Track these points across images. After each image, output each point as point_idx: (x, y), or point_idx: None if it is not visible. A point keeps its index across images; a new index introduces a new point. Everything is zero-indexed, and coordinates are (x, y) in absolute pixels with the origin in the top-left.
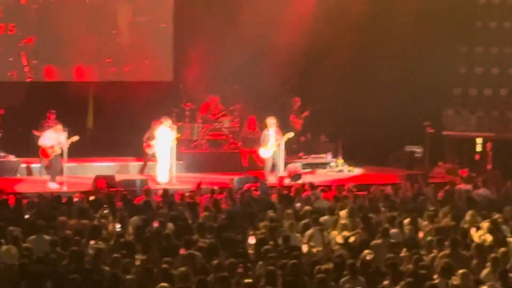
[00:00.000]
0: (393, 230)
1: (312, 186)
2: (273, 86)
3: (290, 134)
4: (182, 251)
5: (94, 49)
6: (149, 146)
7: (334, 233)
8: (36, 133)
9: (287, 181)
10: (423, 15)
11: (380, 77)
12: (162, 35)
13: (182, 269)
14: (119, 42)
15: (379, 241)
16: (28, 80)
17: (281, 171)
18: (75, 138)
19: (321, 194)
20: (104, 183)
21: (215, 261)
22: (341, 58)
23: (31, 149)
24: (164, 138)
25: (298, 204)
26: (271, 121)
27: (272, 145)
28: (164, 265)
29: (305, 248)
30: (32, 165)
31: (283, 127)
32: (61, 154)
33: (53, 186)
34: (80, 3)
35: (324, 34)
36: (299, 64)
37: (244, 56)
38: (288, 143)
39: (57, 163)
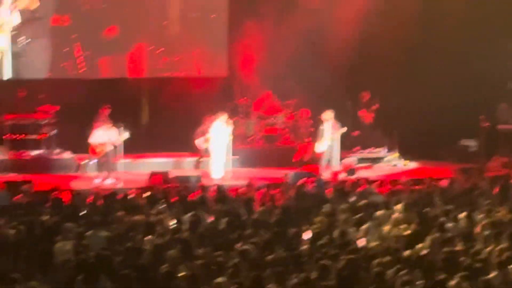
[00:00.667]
0: (448, 224)
1: (368, 181)
2: (328, 80)
3: (343, 130)
4: (237, 246)
5: (146, 40)
6: (202, 141)
7: (389, 227)
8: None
9: (342, 176)
10: (478, 7)
11: (435, 71)
12: (216, 29)
13: (237, 264)
14: (171, 33)
15: (435, 235)
16: (80, 71)
17: (336, 165)
18: (126, 135)
19: (375, 188)
20: (160, 179)
21: (270, 256)
22: (395, 52)
23: (86, 146)
24: (219, 133)
25: (353, 199)
26: (327, 115)
27: (327, 139)
28: (219, 260)
29: (360, 243)
30: (88, 162)
31: (350, 122)
32: (114, 151)
33: (106, 182)
34: None
35: (379, 28)
36: (354, 58)
37: (299, 50)
38: (343, 138)
39: (108, 160)
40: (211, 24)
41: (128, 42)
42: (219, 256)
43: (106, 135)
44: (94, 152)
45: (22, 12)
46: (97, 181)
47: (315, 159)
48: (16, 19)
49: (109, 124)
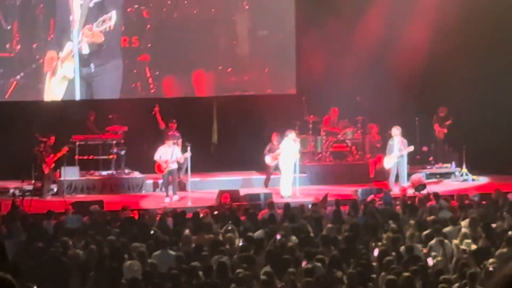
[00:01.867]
0: None
1: (436, 196)
2: (395, 96)
3: (411, 148)
4: (304, 264)
5: (215, 59)
6: (271, 158)
7: (456, 242)
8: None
9: (411, 191)
10: None
11: (503, 84)
12: (284, 47)
13: (305, 281)
14: (239, 52)
15: (504, 249)
16: (151, 91)
17: (404, 181)
18: (187, 154)
19: (446, 203)
20: (228, 197)
21: (338, 274)
22: (464, 66)
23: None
24: (288, 151)
25: (423, 214)
26: (396, 131)
27: (395, 155)
28: (290, 277)
29: (429, 260)
30: (158, 181)
31: (426, 136)
32: (179, 169)
33: (168, 200)
34: (202, 15)
35: (446, 41)
36: (421, 73)
37: (366, 67)
38: (412, 153)
39: (173, 178)
40: (279, 42)
41: (192, 64)
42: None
43: (170, 153)
44: (160, 169)
45: (90, 45)
46: (167, 200)
47: (385, 175)
48: (85, 50)
49: (173, 141)
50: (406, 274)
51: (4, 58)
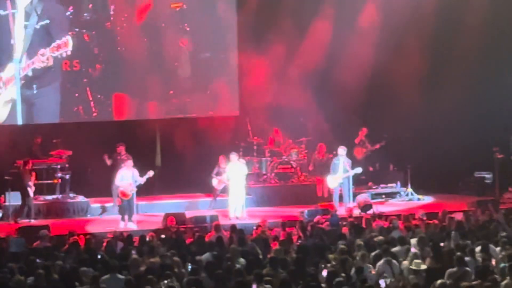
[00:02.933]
0: (465, 258)
1: (383, 216)
2: (338, 116)
3: (358, 170)
4: (254, 286)
5: (156, 83)
6: (219, 181)
7: (406, 262)
8: (107, 159)
9: (357, 212)
10: (491, 40)
11: (447, 104)
12: (226, 69)
13: None
14: (180, 74)
15: (454, 269)
16: (94, 115)
17: (349, 201)
18: (151, 173)
19: (398, 223)
20: (174, 220)
21: None
22: (405, 86)
23: (100, 189)
24: (234, 173)
25: (370, 235)
26: (342, 151)
27: (340, 175)
28: None
29: (381, 282)
30: (102, 205)
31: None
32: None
33: (123, 225)
34: (144, 37)
35: (388, 60)
36: (364, 93)
37: (309, 87)
38: (357, 174)
39: (132, 202)
40: (222, 64)
41: (133, 86)
42: None
43: (130, 175)
44: (124, 194)
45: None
46: (121, 225)
47: (331, 196)
48: (29, 72)
49: (130, 162)
50: None
51: None
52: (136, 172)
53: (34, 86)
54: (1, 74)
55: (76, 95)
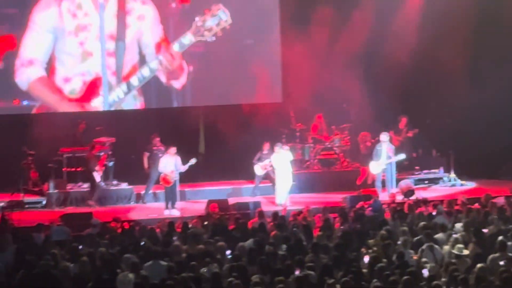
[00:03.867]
0: (508, 243)
1: (426, 202)
2: (382, 102)
3: (401, 156)
4: (297, 272)
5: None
6: (261, 167)
7: (448, 248)
8: (144, 156)
9: (399, 198)
10: None
11: (489, 89)
12: (270, 55)
13: None
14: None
15: (496, 254)
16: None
17: (392, 187)
18: (193, 161)
19: (442, 208)
20: (217, 207)
21: (330, 281)
22: (449, 70)
23: (143, 176)
24: (280, 161)
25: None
26: (384, 137)
27: (383, 161)
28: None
29: (424, 271)
30: (141, 192)
31: (414, 141)
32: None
33: (167, 212)
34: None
35: (431, 47)
36: (407, 79)
37: (352, 73)
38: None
39: (174, 189)
40: (265, 51)
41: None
42: (279, 283)
43: (173, 163)
44: (166, 181)
45: None
46: (166, 212)
47: (374, 182)
48: None
49: (172, 149)
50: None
51: None
52: (178, 159)
53: None
54: None
55: None
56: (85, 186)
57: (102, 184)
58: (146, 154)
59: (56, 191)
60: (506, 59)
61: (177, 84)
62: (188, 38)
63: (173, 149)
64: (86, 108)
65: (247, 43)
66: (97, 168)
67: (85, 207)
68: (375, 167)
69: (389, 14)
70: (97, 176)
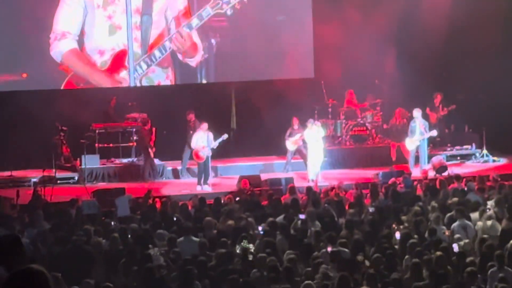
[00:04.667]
0: None
1: (458, 178)
2: (413, 78)
3: (434, 133)
4: (329, 248)
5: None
6: (291, 143)
7: (480, 223)
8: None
9: (432, 174)
10: None
11: None
12: (302, 31)
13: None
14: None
15: None
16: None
17: (425, 163)
18: (225, 136)
19: (474, 185)
20: (248, 183)
21: (361, 257)
22: (481, 46)
23: (176, 152)
24: (312, 137)
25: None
26: (417, 113)
27: (417, 138)
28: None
29: (454, 246)
30: (178, 168)
31: (445, 117)
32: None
33: (199, 188)
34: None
35: (464, 22)
36: (439, 55)
37: (383, 49)
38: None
39: (207, 165)
40: (297, 27)
41: None
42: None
43: (205, 138)
44: (198, 157)
45: None
46: (198, 188)
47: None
48: None
49: (204, 125)
50: (431, 257)
51: None
52: (211, 135)
53: None
54: None
55: None
56: (120, 161)
57: (156, 160)
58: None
59: (88, 166)
60: None
61: (192, 62)
62: (206, 11)
63: (205, 125)
64: (116, 79)
65: (279, 19)
66: (151, 143)
67: (140, 182)
68: (410, 144)
69: None
70: (151, 151)
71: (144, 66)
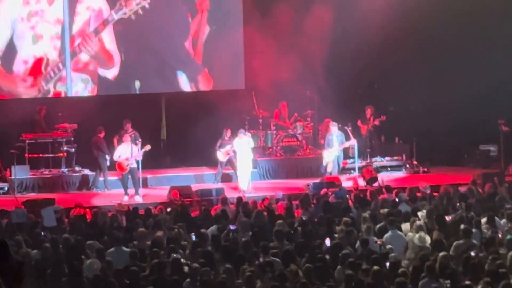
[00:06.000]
0: (472, 230)
1: (388, 189)
2: (345, 89)
3: (352, 142)
4: (260, 258)
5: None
6: (223, 154)
7: (411, 234)
8: (116, 142)
9: (362, 184)
10: (495, 13)
11: (453, 76)
12: (232, 42)
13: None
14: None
15: (460, 241)
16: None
17: (337, 174)
18: (148, 147)
19: (405, 196)
20: (178, 193)
21: (292, 267)
22: (412, 59)
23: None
24: (242, 148)
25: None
26: (333, 127)
27: (336, 148)
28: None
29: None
30: (108, 179)
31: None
32: (137, 166)
33: (126, 199)
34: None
35: (396, 34)
36: (371, 66)
37: (316, 60)
38: (363, 147)
39: (134, 176)
40: (227, 37)
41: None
42: (243, 270)
43: (129, 151)
44: (122, 168)
45: None
46: (125, 199)
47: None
48: None
49: (128, 137)
50: (364, 268)
51: None
52: (134, 147)
53: None
54: None
55: None
56: (50, 171)
57: (87, 171)
58: (116, 137)
59: (18, 177)
60: (468, 45)
61: (109, 74)
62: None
63: (127, 137)
64: (37, 85)
65: (210, 29)
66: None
67: (50, 193)
68: (328, 155)
69: (350, 3)
70: (107, 160)
71: (57, 71)
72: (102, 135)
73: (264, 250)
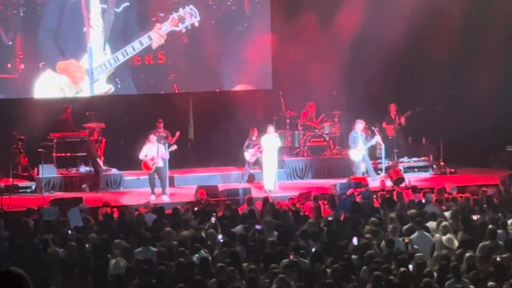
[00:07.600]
0: (498, 231)
1: (415, 189)
2: (371, 90)
3: (377, 139)
4: (290, 257)
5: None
6: (250, 154)
7: (438, 235)
8: (170, 141)
9: (389, 184)
10: None
11: (481, 77)
12: (260, 42)
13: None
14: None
15: (486, 242)
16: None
17: (371, 175)
18: (173, 147)
19: (431, 196)
20: (205, 193)
21: (320, 267)
22: (440, 59)
23: (133, 162)
24: (269, 146)
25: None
26: (358, 124)
27: (361, 147)
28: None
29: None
30: (135, 178)
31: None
32: (164, 166)
33: (153, 198)
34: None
35: (422, 35)
36: (398, 66)
37: (342, 61)
38: (390, 147)
39: (163, 175)
40: (255, 38)
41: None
42: (270, 269)
43: (155, 150)
44: (147, 167)
45: None
46: (152, 198)
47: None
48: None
49: (153, 137)
50: (389, 268)
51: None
52: (161, 147)
53: None
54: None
55: None
56: (76, 171)
57: (114, 170)
58: (150, 136)
59: (45, 176)
60: (497, 46)
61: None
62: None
63: (153, 137)
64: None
65: (238, 29)
66: (99, 153)
67: (76, 192)
68: (355, 154)
69: (379, 2)
70: (99, 161)
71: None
72: (94, 138)
73: (294, 249)
